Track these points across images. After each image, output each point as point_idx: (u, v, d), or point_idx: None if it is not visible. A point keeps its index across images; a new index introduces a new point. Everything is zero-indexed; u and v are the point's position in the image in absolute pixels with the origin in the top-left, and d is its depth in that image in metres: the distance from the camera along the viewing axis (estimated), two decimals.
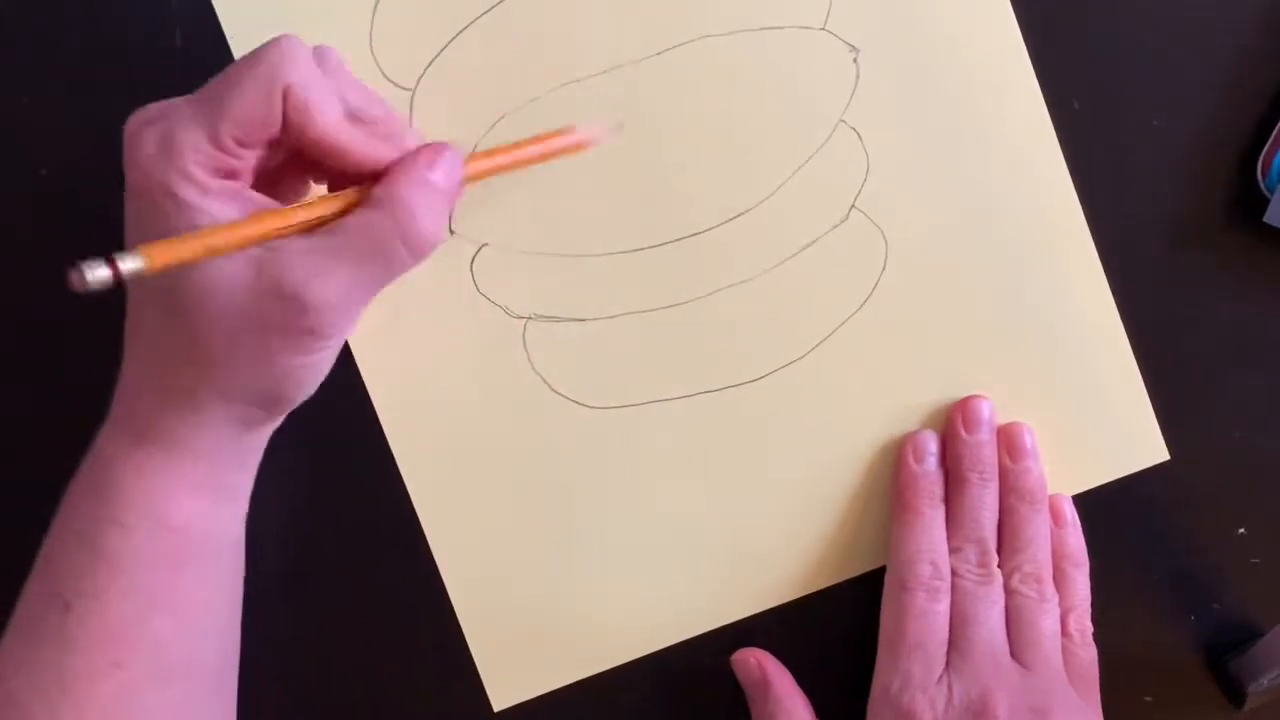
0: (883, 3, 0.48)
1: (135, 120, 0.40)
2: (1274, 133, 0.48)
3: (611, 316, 0.50)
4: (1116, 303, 0.49)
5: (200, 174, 0.38)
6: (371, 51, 0.48)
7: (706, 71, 0.48)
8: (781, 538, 0.50)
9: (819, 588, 0.50)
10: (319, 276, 0.39)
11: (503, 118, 0.48)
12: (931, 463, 0.49)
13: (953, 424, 0.49)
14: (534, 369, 0.49)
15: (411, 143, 0.41)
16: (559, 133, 0.45)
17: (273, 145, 0.40)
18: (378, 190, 0.40)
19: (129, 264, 0.36)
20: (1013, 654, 0.47)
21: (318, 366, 0.42)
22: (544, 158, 0.45)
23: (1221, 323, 0.50)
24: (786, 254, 0.49)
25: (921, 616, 0.47)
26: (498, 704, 0.50)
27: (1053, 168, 0.49)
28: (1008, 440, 0.49)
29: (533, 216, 0.49)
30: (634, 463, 0.50)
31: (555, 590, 0.50)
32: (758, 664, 0.50)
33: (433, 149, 0.41)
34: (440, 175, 0.41)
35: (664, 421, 0.50)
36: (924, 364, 0.50)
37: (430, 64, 0.48)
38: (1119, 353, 0.49)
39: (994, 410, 0.49)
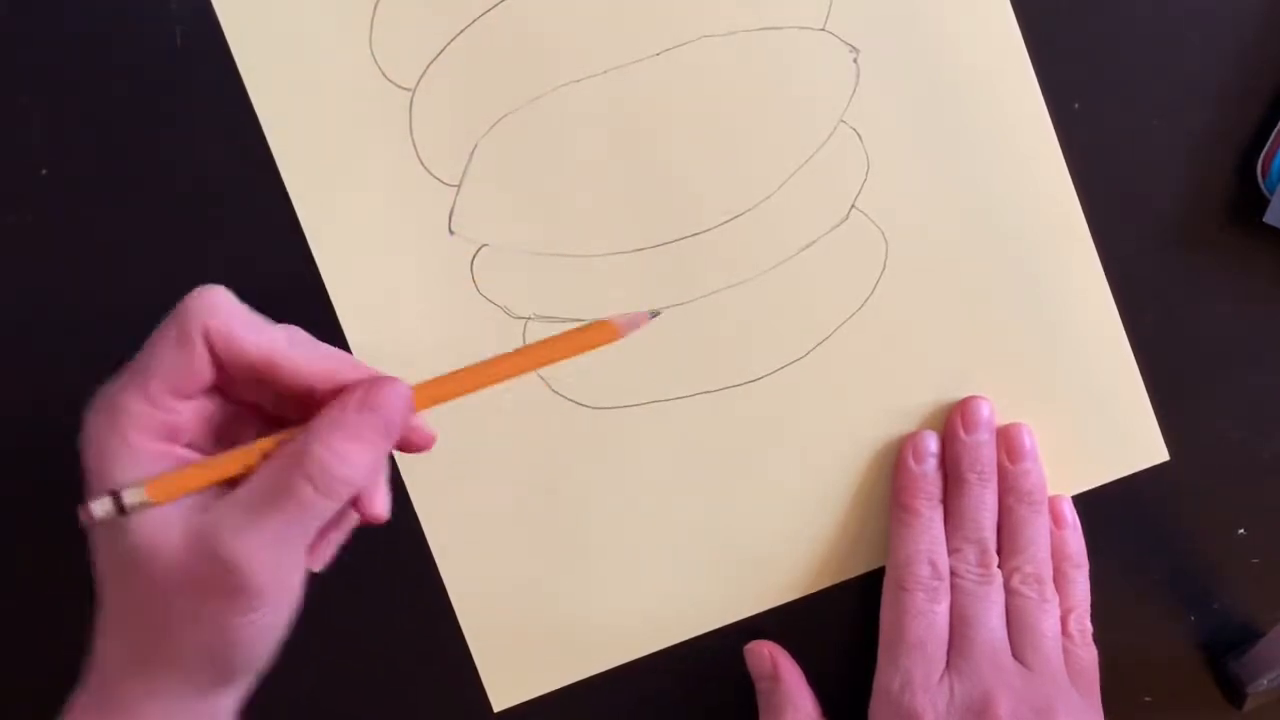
0: (883, 3, 0.48)
1: (94, 403, 0.39)
2: (1274, 133, 0.48)
3: (611, 317, 0.50)
4: (1116, 303, 0.49)
5: (137, 438, 0.38)
6: (371, 51, 0.48)
7: (706, 72, 0.48)
8: (782, 538, 0.50)
9: (820, 588, 0.50)
10: (240, 532, 0.37)
11: (503, 118, 0.48)
12: (931, 464, 0.49)
13: (952, 425, 0.49)
14: (535, 370, 0.49)
15: (354, 373, 0.39)
16: (593, 325, 0.41)
17: (216, 393, 0.40)
18: (299, 434, 0.38)
19: (132, 497, 0.37)
20: (1014, 654, 0.47)
21: (260, 627, 0.39)
22: (577, 350, 0.41)
23: (1221, 323, 0.50)
24: (786, 254, 0.49)
25: (920, 616, 0.47)
26: (498, 704, 0.50)
27: (1053, 168, 0.49)
28: (1007, 441, 0.49)
29: (533, 217, 0.49)
30: (634, 463, 0.50)
31: (555, 590, 0.50)
32: (770, 656, 0.50)
33: (365, 385, 0.39)
34: (367, 416, 0.38)
35: (664, 422, 0.50)
36: (924, 364, 0.50)
37: (430, 64, 0.48)
38: (1119, 353, 0.49)
39: (994, 411, 0.49)
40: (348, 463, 0.38)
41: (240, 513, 0.38)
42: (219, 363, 0.39)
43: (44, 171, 0.49)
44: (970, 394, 0.49)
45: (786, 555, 0.50)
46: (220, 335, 0.38)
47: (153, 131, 0.49)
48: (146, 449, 0.38)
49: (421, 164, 0.49)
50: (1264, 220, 0.48)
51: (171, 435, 0.39)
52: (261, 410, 0.41)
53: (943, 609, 0.48)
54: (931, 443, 0.49)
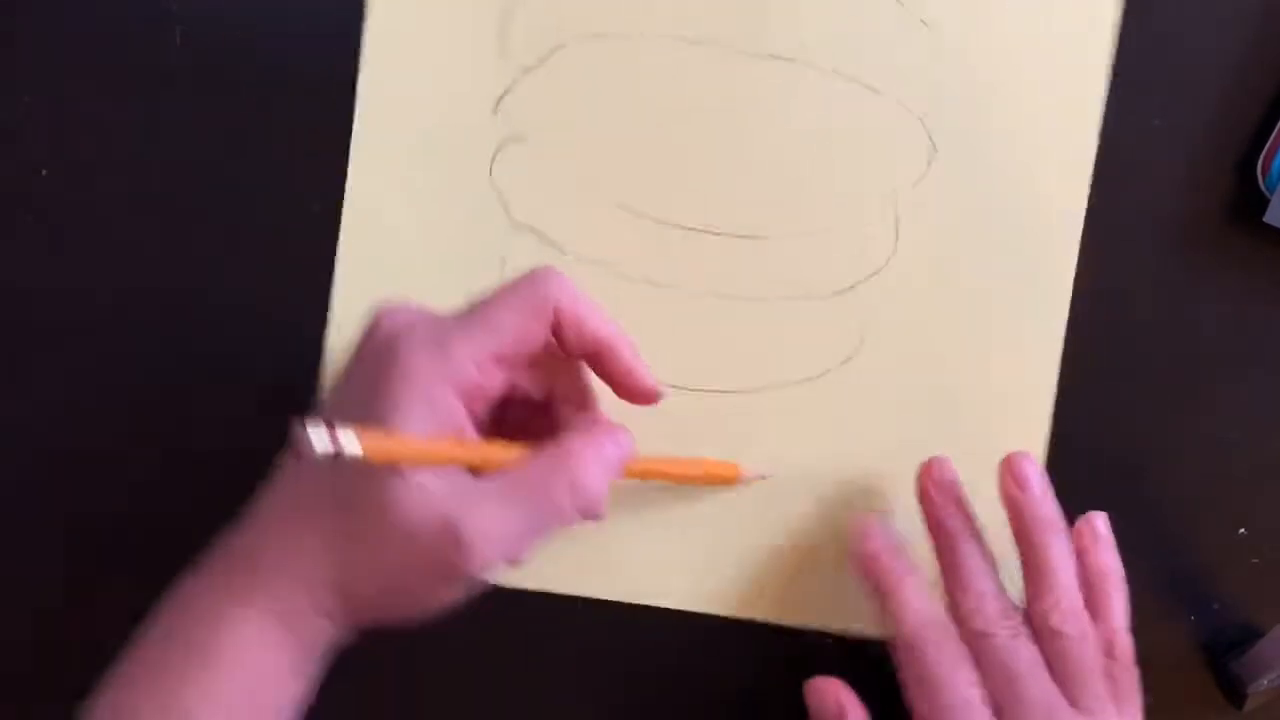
0: (977, 118, 0.48)
1: (394, 317, 0.41)
2: (1274, 133, 0.48)
3: (591, 260, 0.49)
4: (1116, 302, 0.49)
5: (443, 391, 0.39)
6: None
7: (790, 93, 0.48)
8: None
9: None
10: (479, 511, 0.39)
11: (597, 34, 0.48)
12: (880, 542, 0.47)
13: (923, 489, 0.48)
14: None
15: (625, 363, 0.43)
16: (724, 467, 0.48)
17: (518, 373, 0.42)
18: (551, 446, 0.41)
19: (349, 445, 0.37)
20: (1067, 699, 0.45)
21: (439, 602, 0.42)
22: (701, 480, 0.48)
23: (1221, 323, 0.50)
24: (780, 294, 0.49)
25: (949, 690, 0.44)
26: None
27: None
28: (1013, 471, 0.47)
29: (576, 137, 0.49)
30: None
31: None
32: (835, 699, 0.47)
33: (613, 428, 0.43)
34: (613, 448, 0.42)
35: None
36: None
37: None
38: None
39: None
40: (603, 488, 0.41)
41: (493, 501, 0.40)
42: (559, 335, 0.41)
43: (44, 171, 0.49)
44: (927, 456, 0.48)
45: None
46: (570, 316, 0.40)
47: (153, 131, 0.49)
48: (444, 404, 0.39)
49: (498, 39, 0.49)
50: (1264, 220, 0.48)
51: (470, 397, 0.40)
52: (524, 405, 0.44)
53: (967, 670, 0.45)
54: (873, 524, 0.48)
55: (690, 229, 0.49)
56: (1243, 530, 0.51)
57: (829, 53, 0.48)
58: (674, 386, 0.49)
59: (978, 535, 0.47)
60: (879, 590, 0.46)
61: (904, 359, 0.49)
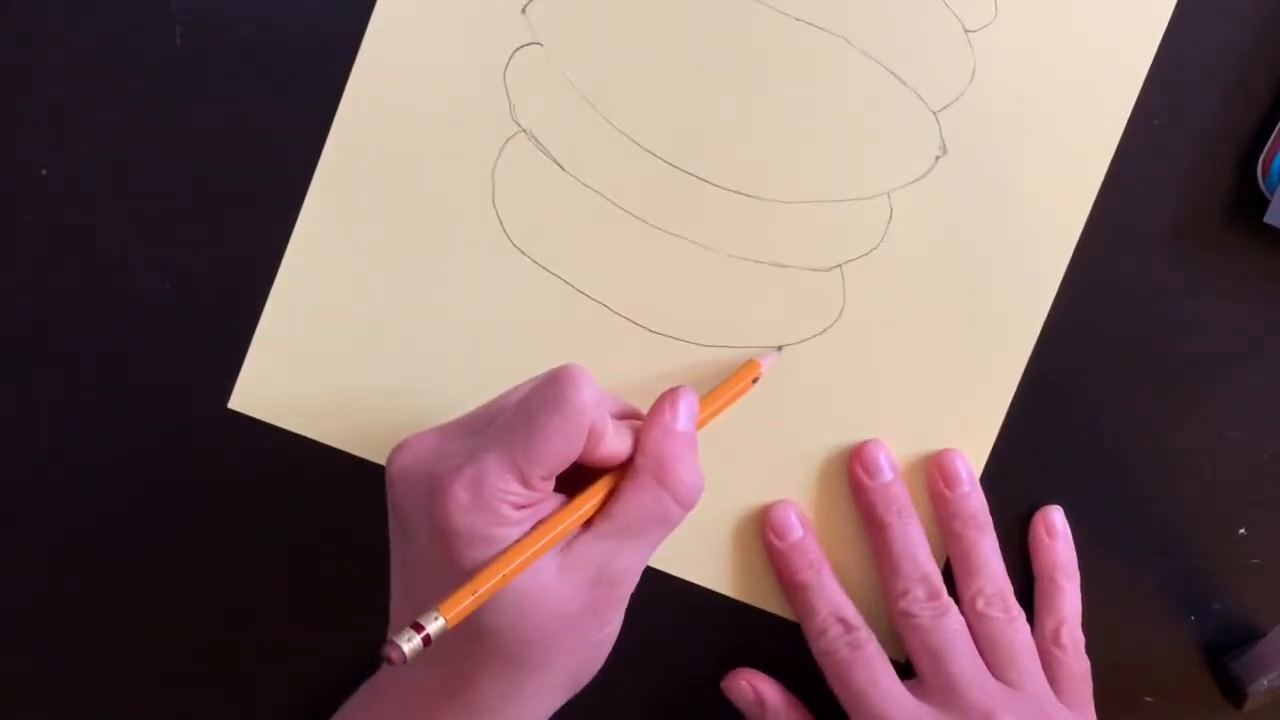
0: (994, 132, 0.48)
1: (420, 460, 0.42)
2: (1274, 133, 0.48)
3: (588, 186, 0.49)
4: (1116, 302, 0.49)
5: (512, 513, 0.40)
6: None
7: (819, 64, 0.48)
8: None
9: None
10: (620, 557, 0.42)
11: None
12: (796, 535, 0.48)
13: (854, 474, 0.49)
14: (494, 206, 0.49)
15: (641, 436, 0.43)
16: (743, 371, 0.48)
17: None
18: (639, 461, 0.42)
19: (434, 626, 0.38)
20: (995, 676, 0.47)
21: (618, 628, 0.44)
22: (735, 398, 0.48)
23: (1221, 323, 0.50)
24: (765, 259, 0.49)
25: (859, 668, 0.47)
26: (235, 402, 0.49)
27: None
28: (941, 469, 0.49)
29: (596, 61, 0.49)
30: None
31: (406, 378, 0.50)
32: (749, 685, 0.49)
33: (669, 398, 0.43)
34: (683, 421, 0.43)
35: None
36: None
37: None
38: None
39: (889, 452, 0.49)
40: (695, 468, 0.42)
41: (617, 540, 0.42)
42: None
43: (44, 171, 0.49)
44: (863, 441, 0.49)
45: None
46: (595, 436, 0.41)
47: (152, 131, 0.49)
48: (517, 519, 0.41)
49: None
50: (1264, 220, 0.48)
51: (529, 506, 0.41)
52: None
53: (875, 658, 0.47)
54: (791, 516, 0.49)
55: (690, 175, 0.49)
56: (1243, 530, 0.51)
57: (867, 35, 0.48)
58: (646, 329, 0.49)
59: (909, 515, 0.48)
60: (787, 587, 0.49)
61: (874, 342, 0.49)
